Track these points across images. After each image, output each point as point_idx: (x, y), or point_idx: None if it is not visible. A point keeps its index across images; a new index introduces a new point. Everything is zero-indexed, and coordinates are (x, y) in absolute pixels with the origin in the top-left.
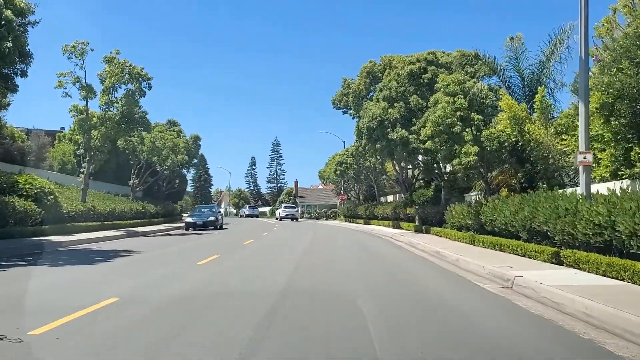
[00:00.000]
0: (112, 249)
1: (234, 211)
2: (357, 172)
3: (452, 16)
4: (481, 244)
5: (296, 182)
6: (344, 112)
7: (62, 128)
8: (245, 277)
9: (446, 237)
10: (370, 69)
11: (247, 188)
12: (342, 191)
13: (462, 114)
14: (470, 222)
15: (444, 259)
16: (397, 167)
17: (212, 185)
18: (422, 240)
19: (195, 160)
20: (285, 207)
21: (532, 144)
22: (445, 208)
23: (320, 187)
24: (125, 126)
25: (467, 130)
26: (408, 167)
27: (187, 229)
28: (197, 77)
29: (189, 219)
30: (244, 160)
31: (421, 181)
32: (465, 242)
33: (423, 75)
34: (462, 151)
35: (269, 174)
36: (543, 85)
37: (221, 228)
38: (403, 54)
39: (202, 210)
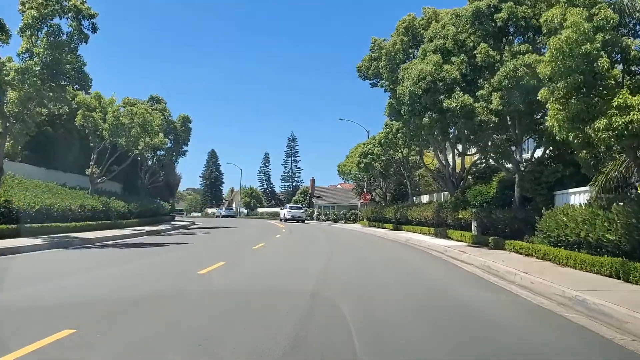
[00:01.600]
0: None
1: (245, 211)
2: (386, 165)
3: None
4: None
5: (312, 181)
6: (373, 84)
7: None
8: None
9: (543, 259)
10: (410, 23)
11: (260, 186)
12: (364, 190)
13: (608, 36)
14: (601, 237)
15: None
16: (441, 156)
17: (224, 183)
18: (511, 266)
19: (186, 148)
20: (290, 207)
21: None
22: (522, 211)
23: (338, 186)
24: (50, 81)
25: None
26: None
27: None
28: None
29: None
30: (256, 157)
31: (472, 176)
32: (605, 274)
33: (495, 16)
34: (614, 104)
35: (284, 172)
36: None
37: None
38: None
39: None
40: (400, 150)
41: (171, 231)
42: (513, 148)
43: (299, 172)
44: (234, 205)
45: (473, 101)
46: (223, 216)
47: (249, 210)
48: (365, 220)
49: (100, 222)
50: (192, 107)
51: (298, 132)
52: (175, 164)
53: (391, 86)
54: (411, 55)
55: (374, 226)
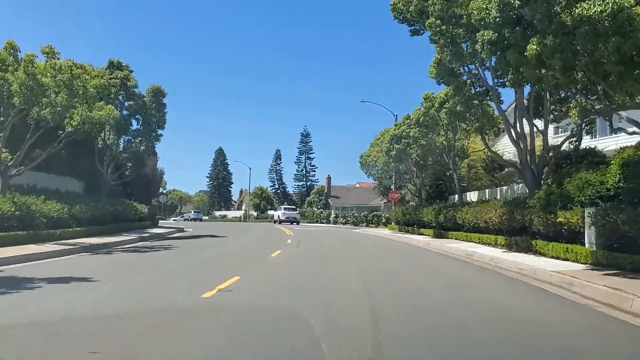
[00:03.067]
0: None
1: (254, 214)
2: (424, 153)
3: None
4: None
5: (328, 179)
6: (415, 31)
7: None
8: None
9: None
10: None
11: (271, 186)
12: (391, 187)
13: None
14: None
15: None
16: (520, 128)
17: (232, 183)
18: None
19: (161, 132)
20: (285, 209)
21: None
22: None
23: (357, 185)
24: None
25: None
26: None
27: None
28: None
29: None
30: (267, 155)
31: (557, 162)
32: None
33: None
34: None
35: (297, 170)
36: None
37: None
38: None
39: None
40: (444, 132)
41: (130, 244)
42: None
43: (314, 171)
44: (243, 207)
45: (635, 3)
46: (192, 219)
47: (259, 213)
48: (394, 223)
49: (9, 233)
50: (195, 103)
51: (312, 127)
52: (154, 152)
53: (443, 28)
54: None
55: (407, 231)
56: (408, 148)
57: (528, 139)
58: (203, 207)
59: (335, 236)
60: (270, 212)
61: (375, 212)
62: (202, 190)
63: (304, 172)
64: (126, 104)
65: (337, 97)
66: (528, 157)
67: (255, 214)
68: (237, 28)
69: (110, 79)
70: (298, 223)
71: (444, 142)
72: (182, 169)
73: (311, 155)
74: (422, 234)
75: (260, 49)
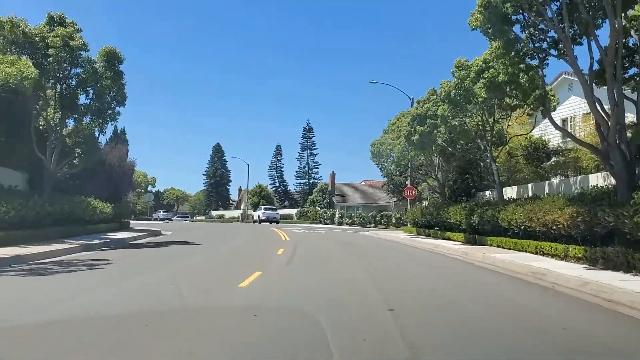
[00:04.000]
0: None
1: (253, 214)
2: (453, 139)
3: None
4: None
5: (333, 176)
6: None
7: None
8: None
9: None
10: None
11: (271, 184)
12: (407, 182)
13: None
14: None
15: None
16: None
17: (231, 182)
18: None
19: (120, 109)
20: (265, 209)
21: None
22: None
23: (362, 183)
24: None
25: None
26: None
27: None
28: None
29: None
30: (267, 151)
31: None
32: None
33: None
34: None
35: (299, 167)
36: None
37: None
38: None
39: None
40: (480, 110)
41: (59, 257)
42: None
43: (317, 168)
44: (242, 207)
45: None
46: (161, 219)
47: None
48: (410, 225)
49: None
50: (191, 98)
51: (315, 123)
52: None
53: None
54: None
55: (427, 235)
56: (435, 131)
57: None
58: (200, 206)
59: (341, 242)
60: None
61: (384, 212)
62: (203, 190)
63: (306, 169)
64: (73, 71)
65: (340, 95)
66: (617, 136)
67: (254, 214)
68: (234, 27)
69: (49, 37)
70: (277, 222)
71: (479, 124)
72: (181, 169)
73: (314, 151)
74: (449, 239)
75: (259, 48)
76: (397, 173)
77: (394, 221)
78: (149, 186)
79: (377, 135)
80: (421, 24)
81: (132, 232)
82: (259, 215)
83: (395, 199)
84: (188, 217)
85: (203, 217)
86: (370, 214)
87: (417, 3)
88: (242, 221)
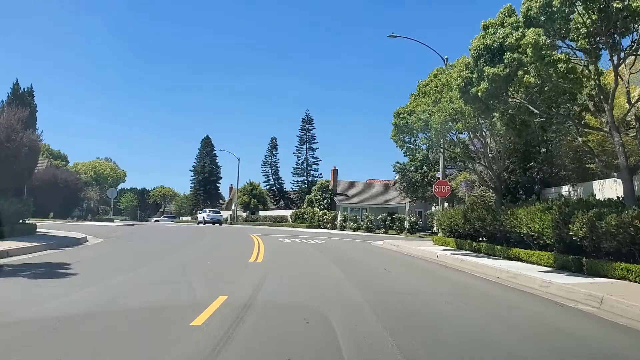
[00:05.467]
0: None
1: (244, 215)
2: (531, 98)
3: None
4: None
5: (335, 172)
6: None
7: None
8: None
9: None
10: None
11: (265, 182)
12: (438, 174)
13: None
14: None
15: None
16: None
17: (221, 179)
18: None
19: None
20: (210, 211)
21: None
22: None
23: (368, 181)
24: None
25: None
26: None
27: None
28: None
29: None
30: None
31: None
32: None
33: None
34: None
35: (297, 163)
36: None
37: None
38: None
39: None
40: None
41: None
42: None
43: (317, 164)
44: (233, 207)
45: None
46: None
47: (249, 214)
48: (443, 234)
49: None
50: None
51: (315, 113)
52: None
53: None
54: None
55: (475, 250)
56: (519, 73)
57: None
58: (187, 206)
59: (351, 264)
60: (262, 214)
61: (395, 215)
62: (190, 188)
63: (304, 165)
64: None
65: (341, 94)
66: None
67: (244, 214)
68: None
69: None
70: (220, 224)
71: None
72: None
73: (314, 145)
74: (520, 259)
75: (253, 48)
76: (412, 168)
77: (406, 226)
78: (121, 182)
79: (382, 132)
80: None
81: (24, 242)
82: (203, 217)
83: (409, 200)
84: (175, 217)
85: (189, 218)
86: (380, 216)
87: None
88: (231, 223)
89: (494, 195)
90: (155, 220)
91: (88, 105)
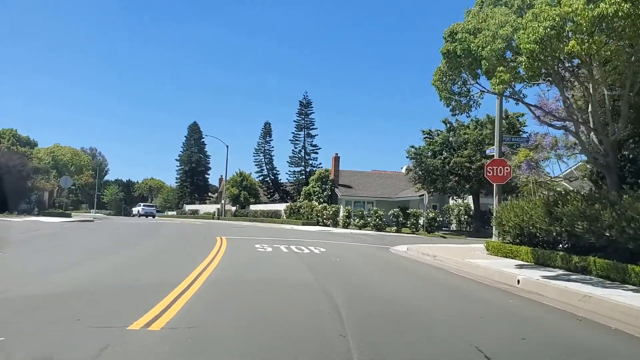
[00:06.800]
0: None
1: (233, 209)
2: None
3: None
4: None
5: (336, 159)
6: None
7: None
8: None
9: None
10: None
11: (258, 172)
12: (492, 150)
13: None
14: None
15: None
16: None
17: (210, 169)
18: None
19: None
20: (144, 205)
21: None
22: None
23: (373, 171)
24: None
25: None
26: None
27: None
28: None
29: None
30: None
31: None
32: None
33: None
34: None
35: (293, 151)
36: None
37: None
38: None
39: None
40: None
41: None
42: None
43: (315, 152)
44: (222, 200)
45: None
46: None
47: (238, 207)
48: (502, 239)
49: None
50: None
51: (314, 95)
52: None
53: None
54: None
55: (570, 268)
56: None
57: None
58: (173, 198)
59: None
60: (253, 208)
61: (411, 210)
62: (176, 179)
63: (302, 153)
64: None
65: (344, 93)
66: None
67: (233, 209)
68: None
69: None
70: (154, 217)
71: None
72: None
73: (312, 132)
74: None
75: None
76: (429, 153)
77: (422, 222)
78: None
79: (386, 123)
80: None
81: None
82: (138, 211)
83: (427, 192)
84: (154, 208)
85: (175, 213)
86: (391, 212)
87: None
88: (218, 218)
89: (592, 181)
90: (134, 215)
91: (72, 96)
